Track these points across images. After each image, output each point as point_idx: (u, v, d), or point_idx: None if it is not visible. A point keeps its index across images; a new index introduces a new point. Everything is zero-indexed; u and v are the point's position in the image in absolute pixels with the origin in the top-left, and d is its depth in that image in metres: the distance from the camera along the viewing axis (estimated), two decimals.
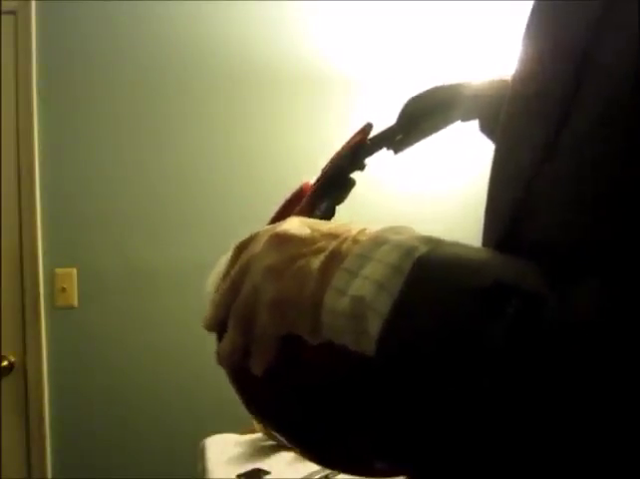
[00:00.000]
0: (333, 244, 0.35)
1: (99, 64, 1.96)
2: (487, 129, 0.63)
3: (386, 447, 0.32)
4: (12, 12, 1.90)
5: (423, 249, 0.31)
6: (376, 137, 0.59)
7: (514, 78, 0.41)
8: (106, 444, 1.91)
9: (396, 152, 0.61)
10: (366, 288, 0.31)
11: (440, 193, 2.02)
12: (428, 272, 0.30)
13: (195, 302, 1.87)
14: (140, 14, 1.98)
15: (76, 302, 1.93)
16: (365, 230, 0.36)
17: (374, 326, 0.30)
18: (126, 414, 1.91)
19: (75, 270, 1.93)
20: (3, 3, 1.89)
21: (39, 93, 1.92)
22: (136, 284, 1.94)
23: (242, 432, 1.56)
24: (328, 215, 0.54)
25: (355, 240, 0.34)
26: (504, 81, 0.56)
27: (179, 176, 1.98)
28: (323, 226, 0.38)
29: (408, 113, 0.61)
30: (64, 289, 1.91)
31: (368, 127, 0.59)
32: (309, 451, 0.42)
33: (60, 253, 1.92)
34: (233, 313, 0.37)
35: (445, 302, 0.28)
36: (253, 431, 1.51)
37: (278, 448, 1.42)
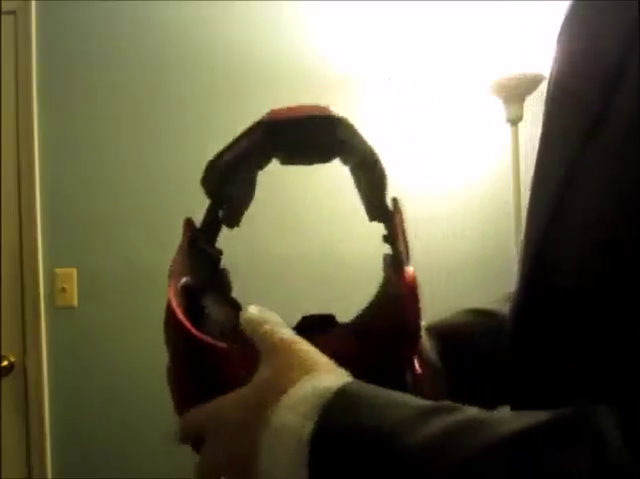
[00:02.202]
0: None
1: (99, 64, 1.96)
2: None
3: None
4: (12, 12, 1.91)
5: (309, 428, 0.33)
6: (202, 226, 0.57)
7: (551, 80, 0.42)
8: (106, 444, 1.91)
9: (231, 226, 0.59)
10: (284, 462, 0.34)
11: (447, 193, 2.01)
12: (322, 448, 0.33)
13: None
14: (139, 14, 1.98)
15: (76, 302, 1.93)
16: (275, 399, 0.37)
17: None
18: (126, 414, 1.91)
19: (75, 270, 1.93)
20: (3, 3, 1.89)
21: (39, 93, 1.92)
22: (135, 284, 1.94)
23: None
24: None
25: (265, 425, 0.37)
26: None
27: (179, 176, 1.97)
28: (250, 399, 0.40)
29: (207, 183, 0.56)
30: (64, 289, 1.91)
31: (188, 222, 0.57)
32: None
33: (60, 253, 1.92)
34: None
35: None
36: None
37: None
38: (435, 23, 1.96)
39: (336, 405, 0.34)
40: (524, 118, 1.73)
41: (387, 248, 0.53)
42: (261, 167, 0.57)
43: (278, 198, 1.98)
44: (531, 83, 1.67)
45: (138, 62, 1.97)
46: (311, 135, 0.54)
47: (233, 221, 0.59)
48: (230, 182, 0.57)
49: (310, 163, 0.58)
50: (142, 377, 1.91)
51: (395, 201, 0.54)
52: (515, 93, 1.68)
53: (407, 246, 0.52)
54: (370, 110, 1.98)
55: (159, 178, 1.97)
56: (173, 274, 0.52)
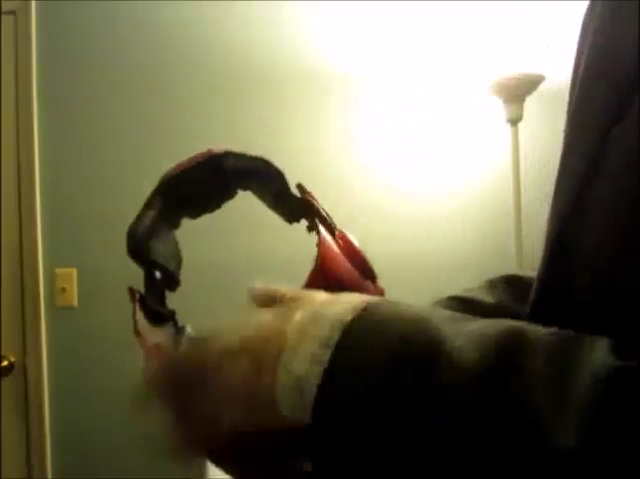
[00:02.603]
0: (281, 326, 0.37)
1: (99, 64, 1.96)
2: None
3: None
4: (12, 12, 1.91)
5: (348, 319, 0.33)
6: (145, 292, 0.59)
7: (574, 81, 0.42)
8: (106, 444, 1.91)
9: (172, 288, 0.59)
10: (302, 364, 0.34)
11: (447, 193, 2.01)
12: (352, 341, 0.33)
13: (195, 302, 1.88)
14: (139, 14, 1.98)
15: (76, 302, 1.93)
16: (311, 301, 0.38)
17: (310, 397, 0.33)
18: (126, 414, 1.91)
19: (75, 270, 1.93)
20: (3, 3, 1.89)
21: (39, 93, 1.92)
22: (135, 285, 1.93)
23: None
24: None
25: (297, 320, 0.37)
26: None
27: None
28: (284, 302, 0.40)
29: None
30: (64, 289, 1.91)
31: (132, 291, 0.59)
32: None
33: (60, 253, 1.92)
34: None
35: (367, 366, 0.31)
36: None
37: None
38: (435, 23, 1.96)
39: (370, 305, 0.34)
40: (524, 118, 1.73)
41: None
42: (177, 226, 0.59)
43: None
44: (531, 83, 1.67)
45: (138, 62, 1.97)
46: (203, 181, 0.57)
47: (172, 282, 0.60)
48: (152, 248, 0.58)
49: (217, 206, 0.61)
50: (142, 377, 1.91)
51: (300, 186, 0.56)
52: (515, 93, 1.68)
53: (330, 219, 0.53)
54: (370, 110, 1.98)
55: (158, 177, 1.97)
56: (140, 335, 0.56)
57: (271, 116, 2.01)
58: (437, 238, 1.96)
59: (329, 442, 0.32)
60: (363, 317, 0.34)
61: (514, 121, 1.73)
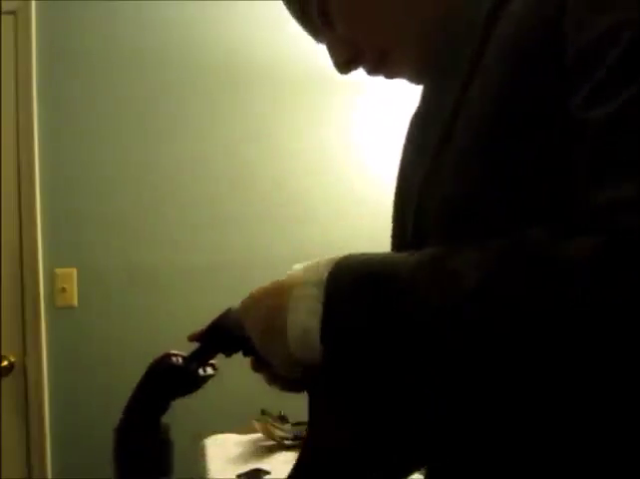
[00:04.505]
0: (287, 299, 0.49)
1: (99, 64, 1.96)
2: None
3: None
4: (12, 12, 1.90)
5: (325, 275, 0.45)
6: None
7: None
8: (106, 444, 1.89)
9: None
10: (304, 317, 0.46)
11: None
12: (337, 282, 0.44)
13: (195, 302, 1.88)
14: (140, 14, 1.97)
15: (76, 302, 1.93)
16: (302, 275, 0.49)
17: (316, 337, 0.44)
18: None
19: (75, 270, 1.92)
20: (3, 3, 1.89)
21: (39, 93, 1.92)
22: (136, 285, 1.94)
23: (242, 432, 1.56)
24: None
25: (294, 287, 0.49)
26: None
27: (179, 176, 1.97)
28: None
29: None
30: (64, 289, 1.91)
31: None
32: None
33: (60, 253, 1.92)
34: None
35: (355, 298, 0.43)
36: (253, 431, 1.51)
37: (278, 448, 1.42)
38: None
39: (343, 261, 0.46)
40: None
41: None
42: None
43: (280, 200, 1.98)
44: None
45: (138, 62, 1.97)
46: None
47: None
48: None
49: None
50: None
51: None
52: None
53: None
54: (370, 110, 1.98)
55: (159, 178, 1.97)
56: None
57: (273, 116, 2.01)
58: None
59: (345, 371, 0.44)
60: (337, 269, 0.45)
61: None
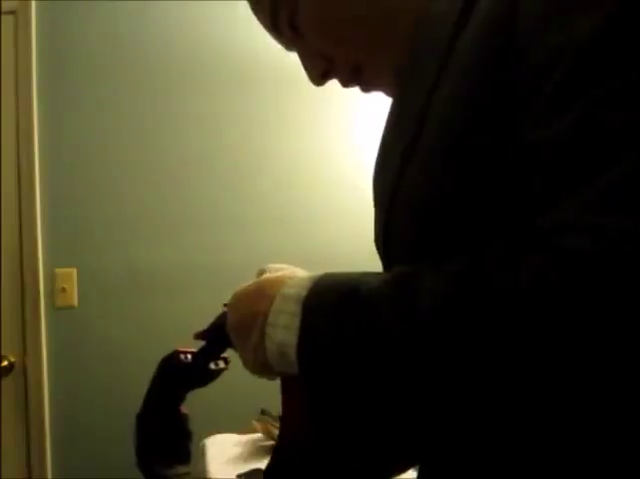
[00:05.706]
0: (265, 306, 0.51)
1: (99, 64, 1.96)
2: None
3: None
4: (12, 12, 1.90)
5: (304, 293, 0.47)
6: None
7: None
8: (106, 444, 1.90)
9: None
10: (281, 334, 0.48)
11: None
12: (313, 305, 0.47)
13: (195, 302, 1.88)
14: (140, 14, 1.97)
15: (76, 302, 1.93)
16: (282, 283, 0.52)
17: (292, 353, 0.47)
18: (126, 414, 1.90)
19: (75, 270, 1.92)
20: (3, 3, 1.89)
21: (39, 93, 1.92)
22: (136, 285, 1.94)
23: (242, 432, 1.56)
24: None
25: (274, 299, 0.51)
26: None
27: (180, 176, 1.97)
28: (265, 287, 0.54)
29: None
30: (64, 289, 1.91)
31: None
32: None
33: (60, 253, 1.92)
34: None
35: (328, 320, 0.45)
36: (253, 431, 1.51)
37: None
38: None
39: (321, 279, 0.48)
40: None
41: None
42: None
43: (281, 200, 1.98)
44: None
45: (138, 62, 1.97)
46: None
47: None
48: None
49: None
50: (142, 377, 1.91)
51: None
52: None
53: None
54: (370, 110, 1.98)
55: (159, 178, 1.97)
56: None
57: (274, 116, 2.01)
58: None
59: (314, 371, 0.46)
60: (315, 288, 0.47)
61: None
